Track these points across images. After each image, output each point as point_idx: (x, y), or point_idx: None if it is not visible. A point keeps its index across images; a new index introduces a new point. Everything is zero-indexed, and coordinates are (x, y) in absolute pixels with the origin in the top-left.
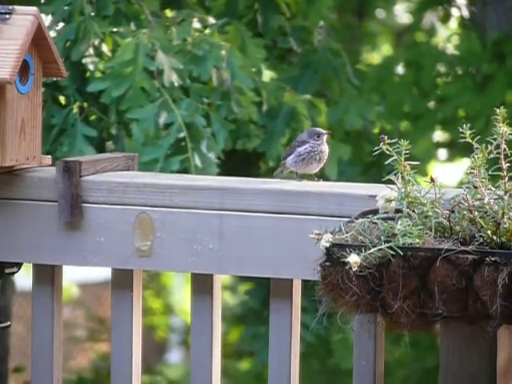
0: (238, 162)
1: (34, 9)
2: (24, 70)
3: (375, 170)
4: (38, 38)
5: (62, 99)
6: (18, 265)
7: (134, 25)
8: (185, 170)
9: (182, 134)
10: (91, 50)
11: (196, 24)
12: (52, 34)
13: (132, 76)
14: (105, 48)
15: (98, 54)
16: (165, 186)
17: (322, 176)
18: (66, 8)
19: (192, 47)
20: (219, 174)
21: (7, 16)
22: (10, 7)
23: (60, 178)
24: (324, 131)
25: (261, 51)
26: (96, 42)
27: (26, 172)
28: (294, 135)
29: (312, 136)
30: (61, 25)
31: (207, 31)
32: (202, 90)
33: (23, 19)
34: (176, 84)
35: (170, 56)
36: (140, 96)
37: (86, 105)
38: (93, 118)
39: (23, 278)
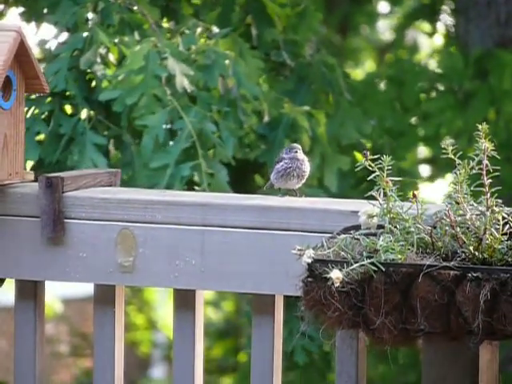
0: (234, 174)
1: (16, 25)
2: (6, 85)
3: (368, 183)
4: (21, 55)
5: (68, 108)
6: (1, 280)
7: (137, 34)
8: (192, 180)
9: (189, 143)
10: (98, 59)
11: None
12: (55, 43)
13: (144, 84)
14: (111, 57)
15: (105, 63)
16: (147, 201)
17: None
18: (70, 18)
19: (196, 55)
20: None
21: None
22: None
23: (42, 194)
24: (294, 146)
25: (258, 62)
26: (103, 52)
27: (9, 188)
28: None
29: (286, 151)
30: (64, 34)
31: (211, 41)
32: (210, 98)
33: (5, 35)
34: (188, 90)
35: (179, 62)
36: (153, 103)
37: (93, 113)
38: (100, 127)
39: (6, 293)
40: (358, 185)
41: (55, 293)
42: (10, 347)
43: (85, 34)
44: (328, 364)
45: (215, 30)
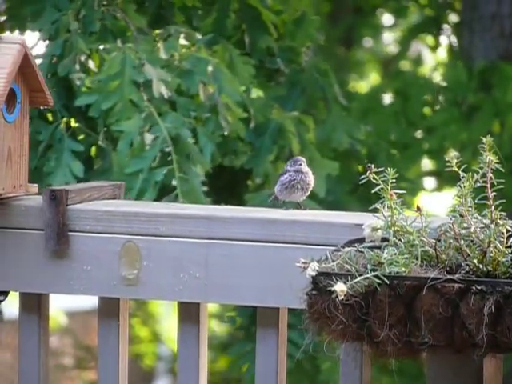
0: (225, 180)
1: (20, 37)
2: (11, 98)
3: (363, 188)
4: (25, 67)
5: (48, 116)
6: (5, 293)
7: (120, 41)
8: (169, 183)
9: (168, 148)
10: (77, 66)
11: (183, 41)
12: (38, 50)
13: (120, 89)
14: (91, 64)
15: (85, 70)
16: (151, 214)
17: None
18: (52, 25)
19: (179, 62)
20: (207, 193)
21: None
22: None
23: (46, 207)
24: (299, 159)
25: (249, 69)
26: (82, 59)
27: (13, 200)
28: (281, 152)
29: (291, 164)
30: (48, 42)
31: (194, 47)
32: (189, 103)
33: (10, 48)
34: (165, 95)
35: (157, 68)
36: (129, 109)
37: (72, 120)
38: (80, 135)
39: (11, 306)
40: (354, 191)
41: (59, 305)
42: (14, 360)
43: (64, 41)
44: (317, 369)
45: (198, 36)
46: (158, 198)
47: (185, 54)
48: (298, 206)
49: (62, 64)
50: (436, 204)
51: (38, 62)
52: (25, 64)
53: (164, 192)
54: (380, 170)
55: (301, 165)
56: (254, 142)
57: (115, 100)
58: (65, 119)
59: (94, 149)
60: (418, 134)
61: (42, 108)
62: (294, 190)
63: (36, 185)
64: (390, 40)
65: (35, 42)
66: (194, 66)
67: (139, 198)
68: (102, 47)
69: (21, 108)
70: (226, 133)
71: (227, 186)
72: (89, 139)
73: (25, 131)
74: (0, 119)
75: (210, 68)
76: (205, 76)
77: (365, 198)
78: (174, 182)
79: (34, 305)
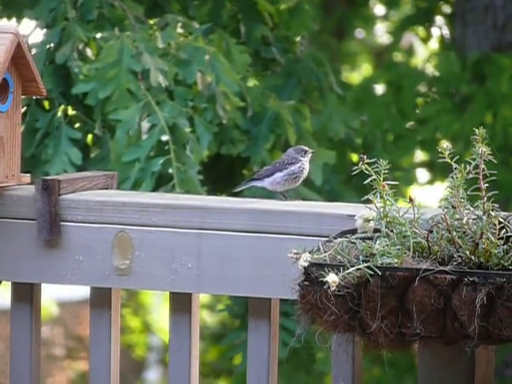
0: (222, 169)
1: (13, 27)
2: (3, 88)
3: (358, 178)
4: (18, 57)
5: (45, 103)
6: None
7: (117, 30)
8: (166, 173)
9: (165, 137)
10: (75, 54)
11: (180, 30)
12: (35, 38)
13: (117, 77)
14: (89, 52)
15: (83, 58)
16: (144, 204)
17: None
18: (49, 13)
19: (176, 51)
20: (203, 182)
21: None
22: None
23: (39, 197)
24: (309, 149)
25: (245, 57)
26: (80, 46)
27: (5, 190)
28: (278, 141)
29: (300, 153)
30: (45, 30)
31: (191, 36)
32: (187, 93)
33: (2, 37)
34: (163, 85)
35: (155, 57)
36: (126, 97)
37: (70, 108)
38: (77, 123)
39: (3, 296)
40: (350, 180)
41: (51, 295)
42: (6, 350)
43: (62, 29)
44: (313, 357)
45: (195, 25)
46: (155, 188)
47: (182, 43)
48: (279, 195)
49: (59, 52)
50: (428, 195)
51: (36, 50)
52: (18, 54)
53: (160, 182)
54: (373, 160)
55: (310, 154)
56: (250, 130)
57: (112, 89)
58: (62, 107)
59: (90, 137)
60: (411, 124)
61: (36, 97)
62: (300, 179)
63: (28, 175)
64: (382, 31)
65: (32, 30)
66: (191, 55)
67: (135, 188)
68: (99, 35)
69: (13, 98)
70: (224, 121)
71: (224, 174)
72: (86, 127)
73: (17, 121)
74: None
75: (207, 57)
76: (202, 65)
77: (360, 188)
78: (170, 171)
79: (26, 295)
